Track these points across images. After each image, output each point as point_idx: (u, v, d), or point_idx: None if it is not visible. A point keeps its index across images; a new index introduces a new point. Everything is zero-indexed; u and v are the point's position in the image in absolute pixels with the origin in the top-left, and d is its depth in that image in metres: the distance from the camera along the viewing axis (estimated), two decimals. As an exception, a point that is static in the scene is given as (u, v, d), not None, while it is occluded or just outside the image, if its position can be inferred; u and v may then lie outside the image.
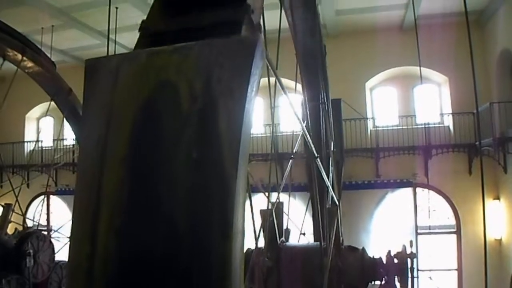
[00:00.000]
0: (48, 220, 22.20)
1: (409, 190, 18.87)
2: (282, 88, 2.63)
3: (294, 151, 6.32)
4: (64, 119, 12.64)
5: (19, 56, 11.41)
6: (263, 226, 4.73)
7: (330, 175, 6.98)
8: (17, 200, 10.78)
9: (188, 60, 1.59)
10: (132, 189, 1.58)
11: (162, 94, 1.58)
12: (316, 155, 4.41)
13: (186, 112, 1.52)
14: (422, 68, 13.79)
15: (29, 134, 24.78)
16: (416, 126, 18.62)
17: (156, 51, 1.68)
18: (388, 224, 19.11)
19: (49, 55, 15.12)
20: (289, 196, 8.28)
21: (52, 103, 13.60)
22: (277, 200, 5.56)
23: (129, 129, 1.60)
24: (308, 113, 4.95)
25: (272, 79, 2.73)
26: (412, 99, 19.97)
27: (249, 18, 1.76)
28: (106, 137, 1.64)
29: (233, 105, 1.51)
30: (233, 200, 1.51)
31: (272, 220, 5.15)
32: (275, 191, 5.33)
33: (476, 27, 17.01)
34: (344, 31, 18.54)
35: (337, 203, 7.08)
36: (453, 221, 18.70)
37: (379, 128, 19.39)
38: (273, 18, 5.95)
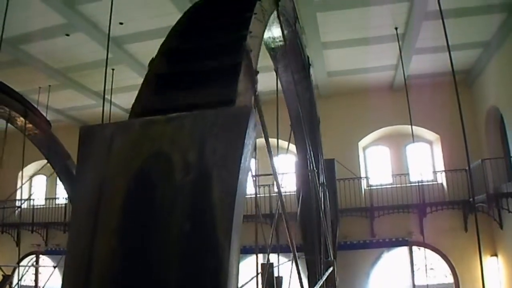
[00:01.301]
0: (36, 281, 21.62)
1: (405, 249, 18.63)
2: (271, 158, 2.64)
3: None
4: (57, 178, 12.56)
5: (22, 120, 11.51)
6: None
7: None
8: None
9: (182, 130, 1.60)
10: (124, 261, 1.54)
11: (155, 164, 1.57)
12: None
13: (179, 183, 1.52)
14: (413, 126, 13.99)
15: (21, 192, 24.52)
16: (410, 184, 18.63)
17: (150, 120, 1.70)
18: (385, 284, 18.72)
19: (45, 114, 15.26)
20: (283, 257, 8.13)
21: (45, 161, 13.57)
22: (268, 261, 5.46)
23: (122, 199, 1.59)
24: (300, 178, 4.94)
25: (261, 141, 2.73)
26: (404, 157, 20.10)
27: (239, 99, 1.79)
28: (98, 207, 1.62)
29: (227, 176, 1.50)
30: (226, 273, 1.47)
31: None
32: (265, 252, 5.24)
33: (464, 85, 17.42)
34: (336, 92, 18.90)
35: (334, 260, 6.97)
36: (451, 279, 18.35)
37: (373, 187, 19.37)
38: (270, 80, 6.09)
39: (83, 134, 1.82)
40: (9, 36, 12.98)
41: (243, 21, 2.55)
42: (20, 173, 24.10)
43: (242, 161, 1.55)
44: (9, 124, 11.70)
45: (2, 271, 11.60)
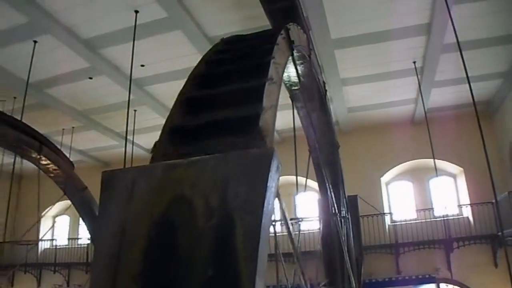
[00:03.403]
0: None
1: (432, 286, 18.06)
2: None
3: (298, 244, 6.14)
4: (80, 219, 12.65)
5: (36, 155, 11.74)
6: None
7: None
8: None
9: (204, 174, 1.58)
10: (145, 310, 1.51)
11: (177, 209, 1.55)
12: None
13: (201, 228, 1.49)
14: (436, 160, 13.78)
15: (44, 232, 24.69)
16: (434, 219, 18.21)
17: (172, 164, 1.69)
18: (414, 324, 18.08)
19: (68, 155, 15.50)
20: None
21: (69, 202, 13.72)
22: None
23: (143, 245, 1.56)
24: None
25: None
26: (428, 191, 19.71)
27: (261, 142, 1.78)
28: (120, 252, 1.60)
29: (250, 220, 1.47)
30: (251, 320, 1.43)
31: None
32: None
33: (485, 116, 17.13)
34: (357, 128, 18.82)
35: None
36: (481, 318, 17.66)
37: (397, 223, 18.98)
38: (289, 117, 6.09)
39: (105, 179, 1.82)
40: (35, 80, 13.39)
41: (263, 65, 2.56)
42: (42, 214, 24.40)
43: (265, 204, 1.52)
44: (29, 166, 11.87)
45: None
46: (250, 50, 3.07)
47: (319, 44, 12.01)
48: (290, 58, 3.54)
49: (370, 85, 15.49)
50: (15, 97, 14.62)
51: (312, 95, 5.62)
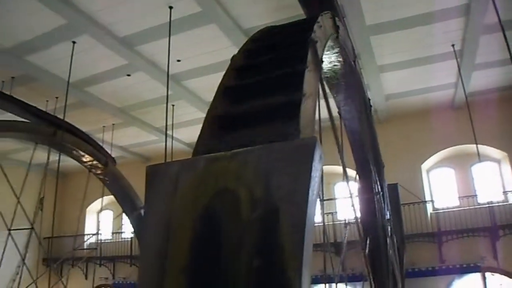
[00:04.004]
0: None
1: (477, 276, 17.62)
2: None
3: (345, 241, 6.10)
4: (123, 213, 12.98)
5: (79, 152, 12.13)
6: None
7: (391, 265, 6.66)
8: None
9: (247, 166, 1.58)
10: (193, 301, 1.53)
11: (221, 202, 1.57)
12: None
13: (246, 220, 1.49)
14: (478, 145, 13.39)
15: (89, 227, 25.43)
16: (478, 206, 17.75)
17: (215, 157, 1.70)
18: (459, 314, 17.71)
19: (109, 151, 15.89)
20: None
21: (111, 197, 14.11)
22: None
23: (189, 238, 1.58)
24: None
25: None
26: (471, 178, 19.19)
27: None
28: (167, 246, 1.62)
29: (295, 211, 1.47)
30: (298, 311, 1.43)
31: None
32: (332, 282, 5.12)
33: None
34: (395, 115, 18.48)
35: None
36: (531, 308, 17.13)
37: (439, 211, 18.60)
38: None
39: (149, 173, 1.85)
40: (75, 79, 13.75)
41: (302, 53, 2.55)
42: (87, 209, 25.15)
43: (310, 194, 1.51)
44: (71, 163, 12.25)
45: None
46: (288, 39, 3.05)
47: (354, 32, 11.83)
48: (328, 45, 3.51)
49: (408, 71, 15.17)
50: (57, 97, 15.08)
51: (350, 84, 5.56)
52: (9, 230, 11.05)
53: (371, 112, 6.72)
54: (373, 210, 6.68)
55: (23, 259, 12.00)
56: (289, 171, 1.54)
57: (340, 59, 4.47)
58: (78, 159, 12.59)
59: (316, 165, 1.56)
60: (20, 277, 12.50)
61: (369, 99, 6.84)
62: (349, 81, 5.03)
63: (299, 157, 1.56)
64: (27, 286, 11.56)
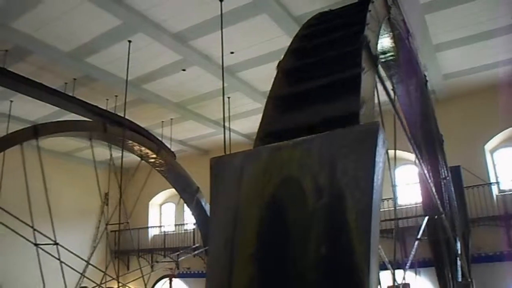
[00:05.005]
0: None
1: (550, 260, 16.75)
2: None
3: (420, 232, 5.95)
4: (184, 205, 13.31)
5: (140, 148, 12.55)
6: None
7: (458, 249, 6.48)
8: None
9: (310, 154, 1.59)
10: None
11: (286, 190, 1.59)
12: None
13: (312, 207, 1.51)
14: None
15: (152, 220, 26.28)
16: (550, 186, 16.87)
17: (278, 147, 1.72)
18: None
19: (169, 146, 16.30)
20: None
21: (173, 190, 14.50)
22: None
23: (256, 226, 1.62)
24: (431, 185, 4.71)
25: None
26: (541, 156, 18.26)
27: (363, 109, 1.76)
28: (234, 235, 1.67)
29: (361, 196, 1.47)
30: (368, 297, 1.43)
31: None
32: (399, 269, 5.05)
33: None
34: (455, 94, 17.78)
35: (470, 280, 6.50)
36: None
37: (507, 193, 17.79)
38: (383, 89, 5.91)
39: (214, 165, 1.90)
40: (133, 77, 14.15)
41: (357, 33, 2.53)
42: (150, 202, 25.98)
43: (375, 180, 1.51)
44: (133, 158, 12.69)
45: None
46: (343, 20, 3.03)
47: (408, 11, 11.45)
48: (383, 26, 3.45)
49: (466, 48, 14.53)
50: (116, 95, 15.60)
51: (408, 70, 5.44)
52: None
53: (427, 88, 6.50)
54: (435, 194, 6.50)
55: (92, 252, 12.54)
56: (353, 157, 1.54)
57: (392, 38, 4.37)
58: (139, 155, 13.01)
59: (380, 150, 1.55)
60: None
61: (425, 75, 6.62)
62: (403, 58, 4.91)
63: (362, 143, 1.55)
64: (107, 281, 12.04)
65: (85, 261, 12.18)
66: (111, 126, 11.96)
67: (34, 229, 10.12)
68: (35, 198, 10.80)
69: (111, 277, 12.92)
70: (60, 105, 14.21)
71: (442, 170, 6.62)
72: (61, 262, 10.35)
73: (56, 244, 10.24)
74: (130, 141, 12.22)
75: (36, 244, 9.76)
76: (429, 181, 5.58)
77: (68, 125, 11.60)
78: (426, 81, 6.84)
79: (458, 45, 14.27)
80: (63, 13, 11.21)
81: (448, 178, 6.81)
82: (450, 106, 17.58)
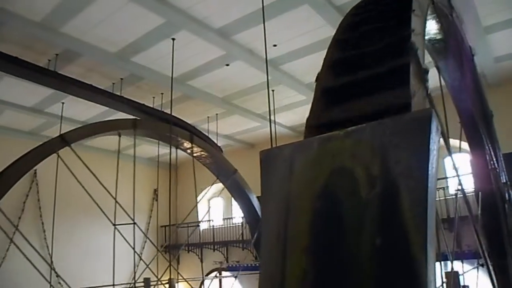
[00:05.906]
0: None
1: None
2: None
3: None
4: (232, 199, 13.43)
5: (189, 144, 12.73)
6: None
7: None
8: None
9: (362, 143, 1.56)
10: (316, 281, 1.55)
11: (338, 181, 1.56)
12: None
13: (365, 197, 1.48)
14: None
15: (201, 214, 26.68)
16: None
17: (328, 137, 1.70)
18: None
19: (215, 141, 16.47)
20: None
21: (221, 185, 14.66)
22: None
23: (309, 218, 1.60)
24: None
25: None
26: None
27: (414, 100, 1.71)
28: (287, 227, 1.66)
29: (415, 186, 1.42)
30: (425, 290, 1.39)
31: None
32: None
33: None
34: (507, 78, 17.03)
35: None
36: None
37: None
38: (432, 76, 5.71)
39: (263, 158, 1.90)
40: (177, 74, 14.36)
41: (403, 20, 2.46)
42: (199, 198, 26.38)
43: (429, 168, 1.46)
44: (183, 154, 12.87)
45: (190, 285, 12.63)
46: (386, 8, 2.95)
47: (455, -6, 11.06)
48: (430, 11, 3.34)
49: (520, 29, 13.90)
50: (162, 93, 15.90)
51: (457, 55, 5.25)
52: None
53: (474, 63, 6.25)
54: (487, 183, 6.28)
55: (143, 246, 12.81)
56: (406, 145, 1.49)
57: (437, 20, 4.22)
58: (187, 151, 13.21)
59: (434, 137, 1.50)
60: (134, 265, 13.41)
61: (470, 47, 6.34)
62: (448, 38, 4.73)
63: (415, 130, 1.51)
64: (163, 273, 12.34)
65: (156, 248, 12.44)
66: (178, 129, 12.24)
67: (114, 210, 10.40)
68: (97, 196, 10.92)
69: (175, 268, 13.19)
70: (109, 104, 14.64)
71: (496, 158, 6.37)
72: (146, 236, 10.35)
73: (134, 224, 10.66)
74: (180, 138, 12.44)
75: (114, 225, 10.18)
76: (489, 166, 5.40)
77: (95, 127, 11.80)
78: (473, 55, 6.54)
79: (508, 26, 13.65)
80: (108, 15, 11.51)
81: (497, 163, 6.55)
82: (502, 91, 16.85)
